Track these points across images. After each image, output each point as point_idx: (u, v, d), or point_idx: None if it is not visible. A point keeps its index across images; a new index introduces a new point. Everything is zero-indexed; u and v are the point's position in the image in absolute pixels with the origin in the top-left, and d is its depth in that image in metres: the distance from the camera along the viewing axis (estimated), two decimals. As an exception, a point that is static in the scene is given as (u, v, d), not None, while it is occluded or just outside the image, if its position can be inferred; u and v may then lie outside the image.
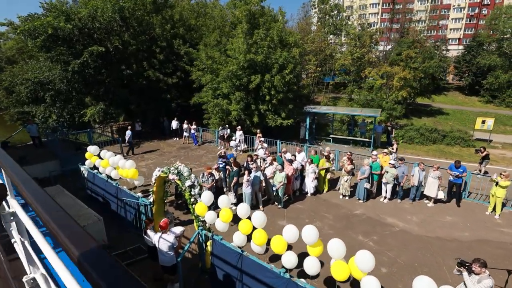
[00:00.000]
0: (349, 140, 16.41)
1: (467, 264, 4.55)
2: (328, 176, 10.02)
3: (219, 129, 15.31)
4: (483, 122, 17.08)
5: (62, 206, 1.01)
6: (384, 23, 49.02)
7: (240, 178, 8.98)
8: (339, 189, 9.82)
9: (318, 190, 9.97)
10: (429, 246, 7.12)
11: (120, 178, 9.29)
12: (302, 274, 5.87)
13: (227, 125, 15.35)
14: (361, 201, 9.32)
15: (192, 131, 16.14)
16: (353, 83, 24.68)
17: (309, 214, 8.68)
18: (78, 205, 7.21)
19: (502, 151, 16.03)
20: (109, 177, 9.11)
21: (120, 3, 15.43)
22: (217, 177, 9.21)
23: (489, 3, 48.70)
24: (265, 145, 12.26)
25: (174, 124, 17.21)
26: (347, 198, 9.57)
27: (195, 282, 5.93)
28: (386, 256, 6.72)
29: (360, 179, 9.12)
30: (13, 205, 1.50)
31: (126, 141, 14.56)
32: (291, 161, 9.38)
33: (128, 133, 14.48)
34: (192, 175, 6.26)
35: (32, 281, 1.53)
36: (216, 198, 6.12)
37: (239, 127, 14.49)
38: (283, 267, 4.99)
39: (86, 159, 9.96)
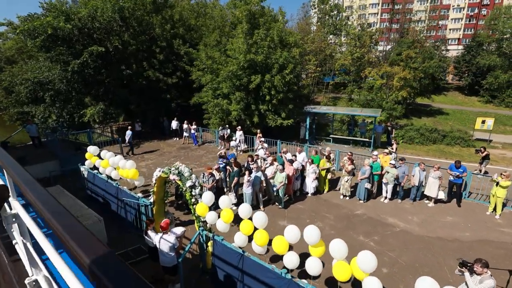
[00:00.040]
0: (349, 140, 16.40)
1: (469, 265, 4.54)
2: (329, 176, 10.01)
3: (219, 129, 15.30)
4: (483, 122, 17.09)
5: (66, 208, 1.00)
6: (383, 23, 49.05)
7: (241, 178, 8.96)
8: (339, 189, 9.82)
9: (318, 190, 9.96)
10: (430, 246, 7.12)
11: (120, 178, 9.27)
12: (303, 274, 5.86)
13: (227, 125, 15.34)
14: (361, 201, 9.31)
15: (192, 131, 16.12)
16: (353, 83, 24.68)
17: (310, 214, 8.67)
18: (78, 206, 7.19)
19: (502, 151, 16.05)
20: (109, 177, 9.09)
21: (120, 3, 15.41)
22: (217, 177, 9.18)
23: (488, 3, 48.79)
24: (266, 145, 12.25)
25: (174, 124, 17.19)
26: (347, 198, 9.57)
27: (196, 283, 5.92)
28: (387, 257, 6.71)
29: (361, 179, 9.11)
30: (15, 206, 1.48)
31: (127, 141, 14.53)
32: (291, 161, 9.37)
33: (129, 133, 14.45)
34: (193, 176, 6.25)
35: (34, 283, 1.51)
36: (216, 198, 6.10)
37: (239, 127, 14.48)
38: (284, 267, 4.98)
39: (86, 159, 9.94)
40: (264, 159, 10.30)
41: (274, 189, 8.75)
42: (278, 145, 13.67)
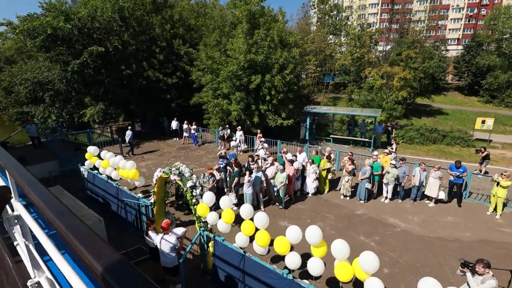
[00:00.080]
0: (349, 140, 16.40)
1: (470, 265, 4.53)
2: (329, 176, 10.00)
3: (219, 129, 15.28)
4: (483, 122, 17.10)
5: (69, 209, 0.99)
6: (383, 23, 49.10)
7: (241, 179, 8.95)
8: (340, 190, 9.81)
9: (319, 191, 9.96)
10: (431, 246, 7.11)
11: (121, 178, 9.25)
12: (304, 274, 5.85)
13: (227, 125, 15.32)
14: (362, 202, 9.31)
15: (192, 131, 16.10)
16: (353, 83, 24.69)
17: (310, 215, 8.66)
18: (78, 206, 7.16)
19: (502, 151, 16.06)
20: (109, 177, 9.07)
21: (120, 3, 15.38)
22: (218, 178, 9.18)
23: (487, 3, 48.86)
24: (266, 145, 12.24)
25: (174, 124, 17.17)
26: (348, 198, 9.56)
27: (197, 283, 5.90)
28: (388, 257, 6.71)
29: (361, 179, 9.11)
30: (18, 207, 1.47)
31: (127, 142, 14.50)
32: (292, 162, 9.36)
33: (129, 133, 14.43)
34: (194, 176, 6.23)
35: (36, 285, 1.50)
36: (217, 198, 6.09)
37: (239, 127, 14.47)
38: (284, 268, 4.97)
39: (85, 160, 9.91)
40: (265, 159, 10.29)
41: (275, 189, 8.74)
42: (278, 145, 13.66)
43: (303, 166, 9.87)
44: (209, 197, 5.77)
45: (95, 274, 0.58)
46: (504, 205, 8.48)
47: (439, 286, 3.55)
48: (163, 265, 5.19)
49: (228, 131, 15.12)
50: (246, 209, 5.50)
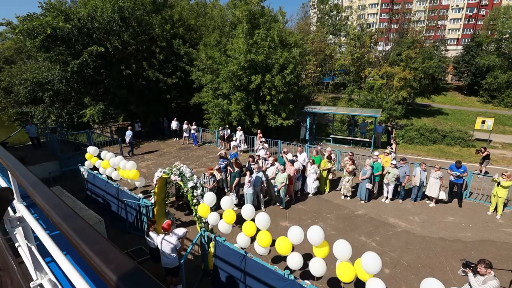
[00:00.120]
0: (349, 140, 16.41)
1: (472, 265, 4.53)
2: (330, 176, 10.00)
3: (219, 129, 15.26)
4: (483, 122, 17.12)
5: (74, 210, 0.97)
6: (382, 23, 49.15)
7: (242, 179, 8.94)
8: (340, 190, 9.80)
9: (319, 191, 9.94)
10: (432, 246, 7.10)
11: (121, 179, 9.22)
12: (305, 275, 5.84)
13: (227, 126, 15.30)
14: (362, 202, 9.30)
15: (192, 131, 16.08)
16: (353, 83, 24.69)
17: (311, 215, 8.65)
18: (78, 206, 7.13)
19: (502, 151, 16.08)
20: (109, 178, 9.05)
21: (120, 3, 15.34)
22: (218, 178, 9.16)
23: (487, 3, 48.95)
24: (266, 145, 12.22)
25: (174, 124, 17.14)
26: (348, 198, 9.55)
27: (198, 284, 5.88)
28: (389, 257, 6.70)
29: (362, 180, 9.10)
30: (20, 209, 1.45)
31: (127, 142, 14.48)
32: (292, 162, 9.35)
33: (129, 133, 14.39)
34: (195, 176, 6.22)
35: (39, 287, 1.48)
36: (217, 199, 6.07)
37: (239, 127, 14.45)
38: (286, 268, 4.95)
39: (85, 160, 9.88)
40: (265, 159, 10.28)
41: (275, 189, 8.73)
42: (278, 146, 13.65)
43: (303, 166, 9.86)
44: (210, 197, 5.75)
45: (105, 279, 0.56)
46: (505, 205, 8.48)
47: (442, 287, 3.53)
48: (164, 266, 5.17)
49: (228, 131, 15.10)
50: (247, 210, 5.48)
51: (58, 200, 0.97)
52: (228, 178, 9.68)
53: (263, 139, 12.71)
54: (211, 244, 5.66)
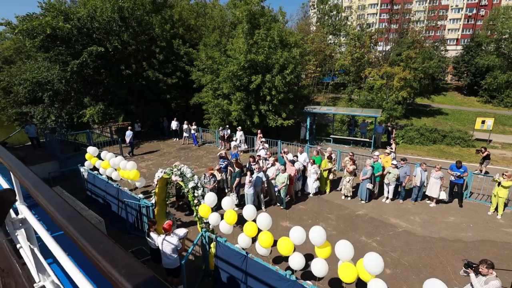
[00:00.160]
0: (349, 141, 16.41)
1: (474, 265, 4.52)
2: (330, 176, 9.99)
3: (219, 129, 15.24)
4: (483, 122, 17.14)
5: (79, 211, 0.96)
6: (382, 24, 49.20)
7: (242, 179, 8.93)
8: (341, 190, 9.79)
9: (320, 191, 9.94)
10: (433, 246, 7.10)
11: (121, 179, 9.20)
12: (306, 275, 5.83)
13: (227, 126, 15.29)
14: (363, 202, 9.30)
15: (192, 131, 16.06)
16: (353, 83, 24.71)
17: (312, 215, 8.64)
18: (78, 207, 7.12)
19: (502, 151, 16.09)
20: (109, 178, 9.03)
21: (119, 3, 15.32)
22: (218, 178, 9.15)
23: (486, 4, 49.03)
24: (267, 145, 12.21)
25: (174, 124, 17.12)
26: (349, 198, 9.55)
27: (199, 285, 5.87)
28: (390, 257, 6.69)
29: (362, 180, 9.09)
30: (23, 211, 1.44)
31: (127, 142, 14.45)
32: (293, 162, 9.34)
33: (129, 133, 14.37)
34: (195, 176, 6.20)
35: None
36: (217, 199, 6.06)
37: (239, 127, 14.43)
38: (287, 269, 4.94)
39: (85, 160, 9.86)
40: (266, 159, 10.27)
41: (276, 189, 8.72)
42: (279, 146, 13.64)
43: (304, 166, 9.85)
44: (211, 197, 5.74)
45: (112, 280, 0.55)
46: (505, 205, 8.48)
47: (444, 288, 3.52)
48: (165, 267, 5.16)
49: (229, 131, 15.09)
50: (249, 210, 5.46)
51: (62, 201, 0.96)
52: (229, 178, 9.67)
53: (263, 139, 12.70)
54: (212, 245, 5.65)
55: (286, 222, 8.27)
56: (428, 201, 9.25)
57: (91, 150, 9.83)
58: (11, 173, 1.35)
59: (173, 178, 6.11)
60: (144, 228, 7.32)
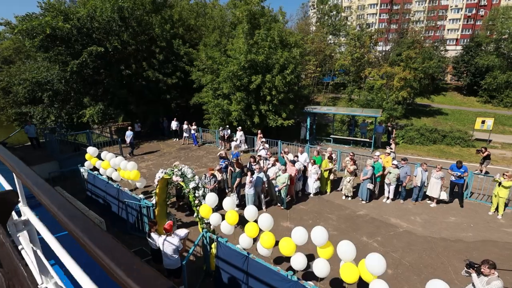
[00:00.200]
0: (349, 141, 16.40)
1: (476, 266, 4.52)
2: (331, 176, 9.98)
3: (220, 129, 15.23)
4: (483, 122, 17.15)
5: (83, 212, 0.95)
6: (382, 24, 49.25)
7: (243, 179, 8.91)
8: (341, 190, 9.78)
9: (320, 191, 9.92)
10: (434, 246, 7.09)
11: (121, 179, 9.18)
12: (307, 275, 5.82)
13: (227, 126, 15.28)
14: (364, 202, 9.29)
15: (192, 131, 16.04)
16: (353, 83, 24.72)
17: (313, 215, 8.63)
18: (79, 207, 7.09)
19: (502, 151, 16.10)
20: (109, 178, 9.01)
21: (119, 3, 15.29)
22: (219, 178, 9.13)
23: (486, 4, 49.09)
24: (267, 145, 12.20)
25: (174, 124, 17.10)
26: (350, 198, 9.54)
27: (200, 285, 5.85)
28: (391, 257, 6.68)
29: (363, 180, 9.09)
30: (26, 212, 1.42)
31: (128, 142, 14.42)
32: (294, 162, 9.33)
33: (129, 133, 14.34)
34: (196, 177, 6.19)
35: None
36: (218, 199, 6.04)
37: (240, 127, 14.42)
38: (288, 269, 4.93)
39: (85, 160, 9.84)
40: (266, 159, 10.26)
41: (276, 189, 8.70)
42: (279, 146, 13.63)
43: (304, 166, 9.84)
44: (212, 198, 5.72)
45: (118, 280, 0.54)
46: (506, 205, 8.47)
47: (447, 288, 3.51)
48: (166, 267, 5.14)
49: (229, 131, 15.07)
50: (250, 211, 5.45)
51: (66, 202, 0.95)
52: (229, 179, 9.65)
53: (263, 140, 12.68)
54: (213, 245, 5.63)
55: (287, 222, 8.26)
56: (429, 201, 9.25)
57: (91, 150, 9.81)
58: (14, 174, 1.34)
59: (174, 178, 6.09)
60: (144, 229, 7.30)
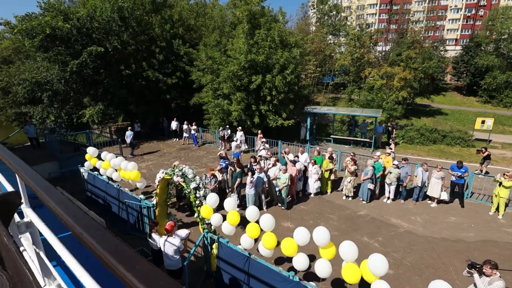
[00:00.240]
0: (349, 141, 16.40)
1: (477, 266, 4.51)
2: (332, 177, 9.97)
3: (220, 129, 15.21)
4: (483, 122, 17.17)
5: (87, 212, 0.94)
6: (381, 24, 49.27)
7: (243, 179, 8.90)
8: (342, 190, 9.78)
9: (321, 191, 9.92)
10: (435, 247, 7.09)
11: (122, 180, 9.16)
12: (308, 276, 5.81)
13: (227, 126, 15.26)
14: (364, 202, 9.28)
15: (193, 131, 16.02)
16: (353, 84, 24.72)
17: (313, 215, 8.62)
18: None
19: (502, 151, 16.12)
20: (110, 178, 8.98)
21: (119, 3, 15.27)
22: (219, 179, 9.12)
23: (485, 4, 49.16)
24: (267, 145, 12.18)
25: (174, 124, 17.07)
26: (350, 199, 9.53)
27: (201, 286, 5.83)
28: (392, 258, 6.67)
29: (364, 180, 9.08)
30: (28, 214, 1.40)
31: (128, 142, 14.40)
32: (294, 162, 9.32)
33: (129, 133, 14.31)
34: (197, 177, 6.17)
35: None
36: (219, 200, 6.03)
37: (240, 127, 14.40)
38: (289, 270, 4.91)
39: (85, 160, 9.81)
40: (267, 159, 10.25)
41: (277, 189, 8.69)
42: (279, 146, 13.62)
43: (305, 166, 9.83)
44: (213, 198, 5.70)
45: (126, 282, 0.54)
46: (506, 205, 8.47)
47: (449, 289, 3.50)
48: (167, 268, 5.12)
49: (229, 131, 15.06)
50: (252, 211, 5.43)
51: (69, 202, 0.94)
52: (229, 179, 9.63)
53: (264, 140, 12.67)
54: (214, 246, 5.61)
55: (288, 222, 8.25)
56: (429, 201, 9.25)
57: (91, 150, 9.79)
58: (16, 175, 1.32)
59: (175, 179, 6.07)
60: (145, 229, 7.29)
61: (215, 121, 15.56)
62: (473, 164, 12.96)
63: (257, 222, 5.43)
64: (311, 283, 4.37)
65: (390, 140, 13.48)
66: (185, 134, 16.29)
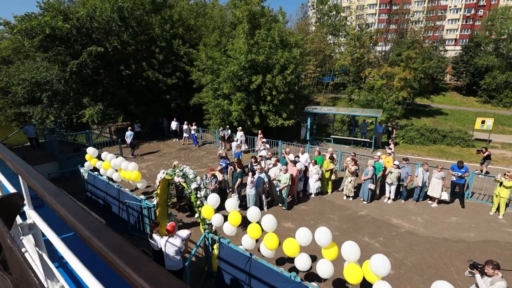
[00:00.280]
0: (350, 141, 16.40)
1: (479, 266, 4.50)
2: (332, 177, 9.96)
3: (220, 130, 15.19)
4: (483, 122, 17.18)
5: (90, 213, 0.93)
6: (381, 24, 49.31)
7: (244, 179, 8.89)
8: (342, 190, 9.77)
9: (321, 191, 9.91)
10: (436, 247, 7.08)
11: (122, 180, 9.13)
12: (309, 276, 5.80)
13: (227, 126, 15.25)
14: (365, 202, 9.27)
15: (193, 132, 16.00)
16: (353, 84, 24.72)
17: (314, 216, 8.61)
18: (79, 208, 7.04)
19: (502, 151, 16.13)
20: (110, 179, 8.96)
21: (119, 3, 15.24)
22: (220, 179, 9.10)
23: (485, 4, 49.23)
24: (268, 146, 12.17)
25: (174, 124, 17.05)
26: (351, 199, 9.52)
27: (202, 286, 5.82)
28: (393, 258, 6.66)
29: (364, 180, 9.07)
30: (31, 215, 1.39)
31: (128, 142, 14.37)
32: (295, 162, 9.31)
33: (130, 133, 14.28)
34: (198, 177, 6.16)
35: None
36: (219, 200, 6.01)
37: (240, 128, 14.39)
38: (291, 270, 4.90)
39: (85, 161, 9.79)
40: (267, 159, 10.23)
41: (277, 189, 8.68)
42: (279, 146, 13.61)
43: (305, 166, 9.82)
44: (214, 199, 5.69)
45: (132, 282, 0.53)
46: (507, 205, 8.47)
47: (452, 289, 3.48)
48: (168, 269, 5.09)
49: (229, 131, 15.04)
50: (253, 212, 5.42)
51: (73, 203, 0.92)
52: (230, 179, 9.61)
53: (264, 140, 12.65)
54: (215, 246, 5.60)
55: (288, 222, 8.23)
56: (430, 201, 9.24)
57: (91, 150, 9.77)
58: (19, 176, 1.31)
59: (176, 179, 6.05)
60: (145, 230, 7.27)
61: (215, 121, 15.54)
62: (473, 164, 12.96)
63: (258, 222, 5.41)
64: (312, 283, 4.36)
65: (390, 140, 13.48)
66: (185, 134, 16.27)
